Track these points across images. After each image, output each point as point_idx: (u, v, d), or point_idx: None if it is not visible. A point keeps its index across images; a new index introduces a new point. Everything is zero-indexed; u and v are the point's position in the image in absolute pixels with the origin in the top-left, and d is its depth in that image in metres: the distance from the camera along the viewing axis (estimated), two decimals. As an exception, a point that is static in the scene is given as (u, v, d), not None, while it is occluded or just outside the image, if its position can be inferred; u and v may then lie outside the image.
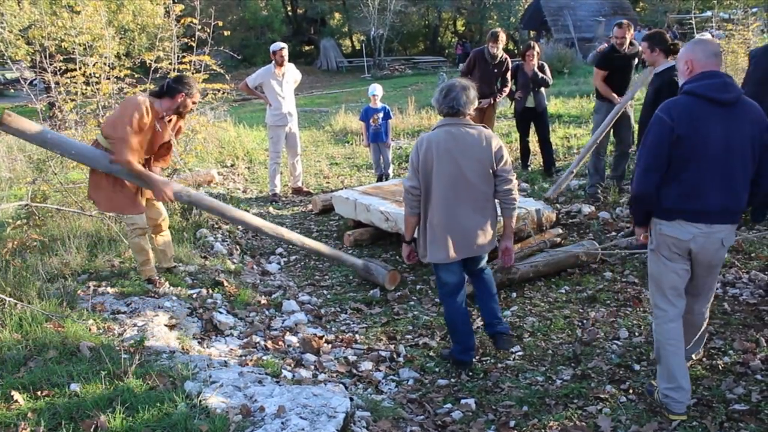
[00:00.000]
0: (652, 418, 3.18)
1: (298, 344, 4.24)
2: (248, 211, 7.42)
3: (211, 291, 4.86)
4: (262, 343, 4.23)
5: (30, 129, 4.09)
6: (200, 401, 2.95)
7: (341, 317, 4.78)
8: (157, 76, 6.79)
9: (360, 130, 9.92)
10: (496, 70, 7.62)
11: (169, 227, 5.08)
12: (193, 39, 6.96)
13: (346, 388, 3.64)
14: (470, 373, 3.83)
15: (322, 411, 2.93)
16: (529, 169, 8.40)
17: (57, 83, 6.55)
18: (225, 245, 6.05)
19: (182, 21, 6.94)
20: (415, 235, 3.90)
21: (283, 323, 4.57)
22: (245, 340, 4.25)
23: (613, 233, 5.94)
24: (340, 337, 4.40)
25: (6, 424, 2.79)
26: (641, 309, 4.45)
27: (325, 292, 5.29)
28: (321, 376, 3.82)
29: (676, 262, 3.15)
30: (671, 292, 3.19)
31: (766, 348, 3.77)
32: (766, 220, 5.18)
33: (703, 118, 2.92)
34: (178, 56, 6.86)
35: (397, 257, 5.93)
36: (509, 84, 7.88)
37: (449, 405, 3.52)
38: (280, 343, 4.26)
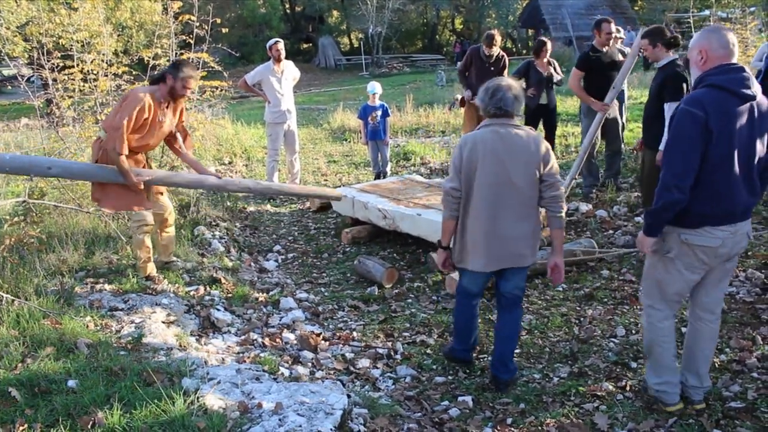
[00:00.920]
0: (648, 416, 3.19)
1: (295, 341, 4.25)
2: (245, 209, 7.45)
3: (208, 288, 4.86)
4: (260, 340, 4.24)
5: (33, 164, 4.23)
6: (198, 398, 2.95)
7: (339, 314, 4.78)
8: (155, 73, 6.77)
9: (358, 127, 9.92)
10: (492, 68, 7.62)
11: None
12: (191, 36, 6.94)
13: (344, 385, 3.65)
14: (467, 371, 3.83)
15: (320, 408, 2.94)
16: None
17: (54, 80, 6.53)
18: (222, 242, 6.05)
19: (180, 18, 6.92)
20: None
21: (280, 320, 4.57)
22: (243, 337, 4.25)
23: (611, 231, 5.95)
24: (338, 334, 4.40)
25: (3, 421, 2.79)
26: (638, 307, 4.46)
27: (322, 289, 5.30)
28: (318, 373, 3.82)
29: (695, 273, 3.01)
30: (674, 297, 3.12)
31: (763, 346, 3.78)
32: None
33: (733, 114, 2.76)
34: (176, 53, 6.85)
35: (395, 255, 5.93)
36: None
37: (446, 402, 3.52)
38: (278, 340, 4.26)
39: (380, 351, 4.14)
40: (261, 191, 6.32)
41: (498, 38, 7.66)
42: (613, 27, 6.44)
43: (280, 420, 2.82)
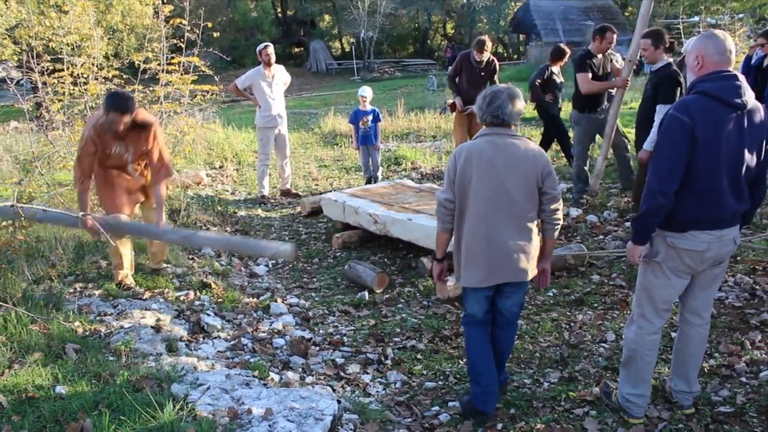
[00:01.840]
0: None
1: (285, 346, 4.23)
2: (236, 213, 7.42)
3: (198, 293, 4.84)
4: (250, 345, 4.22)
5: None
6: (187, 404, 2.94)
7: (329, 320, 4.77)
8: (146, 77, 6.77)
9: (349, 132, 9.93)
10: (483, 73, 7.64)
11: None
12: (182, 40, 6.93)
13: (334, 390, 3.64)
14: (458, 376, 3.83)
15: (310, 414, 2.93)
16: None
17: (44, 83, 6.51)
18: (213, 247, 6.02)
19: (171, 22, 6.92)
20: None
21: (270, 325, 4.56)
22: (233, 342, 4.23)
23: (601, 236, 5.97)
24: (328, 339, 4.39)
25: (-10, 427, 2.77)
26: (628, 312, 4.47)
27: (313, 294, 5.29)
28: (308, 379, 3.81)
29: (681, 278, 3.02)
30: (663, 305, 3.13)
31: (752, 351, 3.80)
32: (751, 223, 5.23)
33: (721, 122, 2.76)
34: (167, 57, 6.83)
35: (386, 259, 5.93)
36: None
37: (437, 407, 3.52)
38: (268, 345, 4.25)
39: (371, 356, 4.13)
40: (196, 244, 5.66)
41: (489, 44, 7.70)
42: (615, 38, 6.49)
43: (269, 426, 2.81)
